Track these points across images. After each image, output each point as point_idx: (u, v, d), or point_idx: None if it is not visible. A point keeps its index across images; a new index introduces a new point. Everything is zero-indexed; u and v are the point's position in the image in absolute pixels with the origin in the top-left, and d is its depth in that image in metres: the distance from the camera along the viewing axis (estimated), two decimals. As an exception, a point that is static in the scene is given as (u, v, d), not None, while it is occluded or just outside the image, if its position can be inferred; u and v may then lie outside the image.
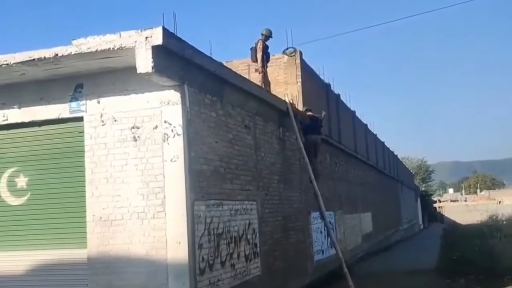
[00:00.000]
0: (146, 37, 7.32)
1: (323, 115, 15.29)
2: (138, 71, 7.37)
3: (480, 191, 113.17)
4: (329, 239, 15.80)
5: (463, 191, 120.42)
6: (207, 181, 8.75)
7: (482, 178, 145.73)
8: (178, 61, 8.00)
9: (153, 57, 7.29)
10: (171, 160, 8.08)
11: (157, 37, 7.31)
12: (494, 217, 40.53)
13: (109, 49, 7.49)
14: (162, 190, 8.09)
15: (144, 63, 7.32)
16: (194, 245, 8.11)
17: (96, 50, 7.53)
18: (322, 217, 13.87)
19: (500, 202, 78.56)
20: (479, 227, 35.08)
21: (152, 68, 7.30)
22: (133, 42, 7.38)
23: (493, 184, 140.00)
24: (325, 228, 15.02)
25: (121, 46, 7.43)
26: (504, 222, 36.72)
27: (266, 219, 11.45)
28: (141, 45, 7.34)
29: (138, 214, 8.16)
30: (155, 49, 7.32)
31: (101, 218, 8.33)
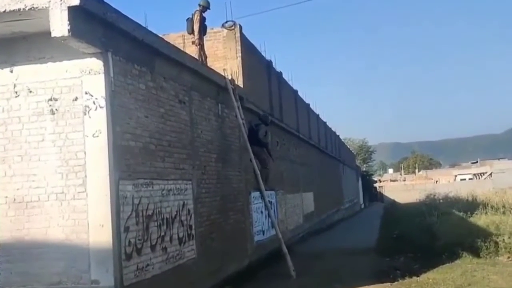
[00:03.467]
0: (62, -4, 6.52)
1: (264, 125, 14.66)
2: (53, 34, 6.57)
3: (418, 171, 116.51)
4: (270, 219, 15.41)
5: (402, 171, 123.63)
6: (134, 158, 8.06)
7: (420, 158, 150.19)
8: (100, 25, 7.23)
9: (69, 19, 6.50)
10: (93, 135, 7.35)
11: (73, -4, 6.52)
12: (432, 196, 41.56)
13: (19, 9, 6.63)
14: (83, 169, 7.36)
15: (60, 25, 6.53)
16: (119, 228, 7.44)
17: (5, 11, 6.65)
18: (262, 196, 13.42)
19: (437, 181, 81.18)
20: (418, 206, 35.90)
21: (69, 32, 6.51)
22: (47, 2, 6.55)
23: (431, 164, 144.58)
24: (266, 208, 14.60)
25: (33, 6, 6.60)
26: (441, 201, 37.66)
27: (203, 200, 10.87)
28: (55, 5, 6.53)
29: (57, 195, 7.41)
30: (72, 10, 6.53)
31: (15, 199, 7.53)
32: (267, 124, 15.08)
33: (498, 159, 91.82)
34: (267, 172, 14.37)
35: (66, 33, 6.52)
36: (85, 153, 7.37)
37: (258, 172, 13.12)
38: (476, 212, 22.48)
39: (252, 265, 13.69)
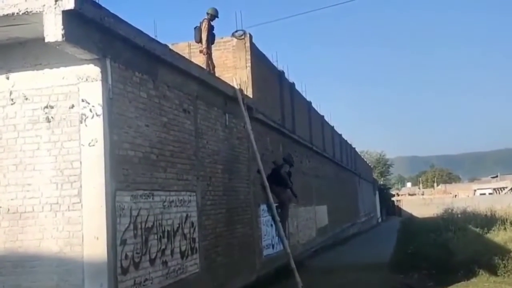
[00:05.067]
0: (56, 1, 6.30)
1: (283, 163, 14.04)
2: (47, 39, 6.35)
3: (437, 185, 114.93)
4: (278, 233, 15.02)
5: (420, 185, 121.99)
6: (134, 169, 7.79)
7: (439, 172, 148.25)
8: (97, 31, 7.01)
9: (63, 24, 6.28)
10: (89, 144, 7.10)
11: (68, 1, 6.31)
12: (450, 211, 40.72)
13: (13, 14, 6.43)
14: (79, 179, 7.10)
15: (53, 30, 6.31)
16: (115, 241, 7.16)
17: (-2, 16, 6.48)
18: (270, 209, 13.04)
19: (455, 195, 79.91)
20: (435, 221, 35.15)
21: (63, 36, 6.29)
22: (41, 6, 6.35)
23: (449, 178, 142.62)
24: (274, 222, 14.21)
25: (27, 11, 6.39)
26: (459, 216, 36.87)
27: (208, 212, 10.56)
28: (50, 9, 6.32)
29: (51, 205, 7.16)
30: (67, 14, 6.32)
31: (9, 210, 7.29)
32: (291, 164, 14.52)
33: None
34: (286, 213, 13.91)
35: (60, 38, 6.31)
36: (80, 162, 7.12)
37: (267, 184, 12.76)
38: (493, 228, 21.83)
39: (260, 280, 13.29)
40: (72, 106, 7.21)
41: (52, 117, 7.27)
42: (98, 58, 7.14)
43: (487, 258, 14.57)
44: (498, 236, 19.57)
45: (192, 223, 9.76)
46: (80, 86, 7.20)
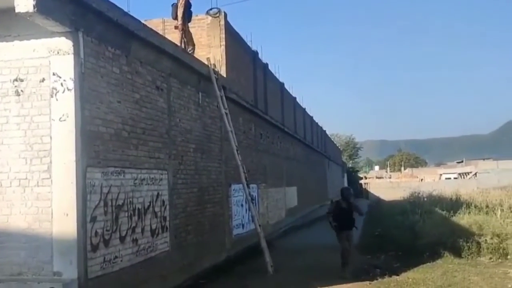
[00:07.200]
0: (27, -31, 6.10)
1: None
2: (17, 10, 6.18)
3: (404, 169, 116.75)
4: (250, 213, 15.09)
5: (388, 169, 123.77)
6: (105, 145, 7.68)
7: (406, 156, 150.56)
8: (70, 2, 6.85)
9: (35, -6, 6.09)
10: (59, 119, 6.96)
11: (40, -30, 6.12)
12: (416, 194, 41.40)
13: (-18, -18, 6.22)
14: (49, 154, 6.98)
15: (24, 0, 6.12)
16: (85, 218, 7.07)
17: (-34, -17, 6.25)
18: (244, 189, 13.03)
19: (422, 179, 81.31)
20: (402, 204, 35.71)
21: (34, 7, 6.13)
22: (11, -26, 6.14)
23: (416, 162, 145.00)
24: (247, 202, 14.25)
25: (-4, -21, 6.18)
26: (425, 199, 37.50)
27: (179, 191, 10.52)
28: (20, -22, 6.11)
29: (20, 181, 7.03)
30: (38, -16, 6.12)
31: (-25, 185, 7.11)
32: (346, 199, 12.67)
33: (483, 159, 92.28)
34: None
35: (31, 9, 6.14)
36: (51, 137, 6.99)
37: (239, 164, 12.76)
38: (459, 212, 22.31)
39: (230, 259, 13.36)
40: (43, 80, 7.05)
41: (21, 91, 7.09)
42: (70, 31, 6.97)
43: (452, 241, 14.88)
44: (463, 219, 19.97)
45: (163, 202, 9.71)
46: (51, 59, 7.03)
